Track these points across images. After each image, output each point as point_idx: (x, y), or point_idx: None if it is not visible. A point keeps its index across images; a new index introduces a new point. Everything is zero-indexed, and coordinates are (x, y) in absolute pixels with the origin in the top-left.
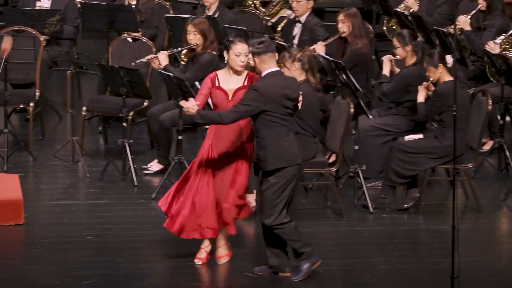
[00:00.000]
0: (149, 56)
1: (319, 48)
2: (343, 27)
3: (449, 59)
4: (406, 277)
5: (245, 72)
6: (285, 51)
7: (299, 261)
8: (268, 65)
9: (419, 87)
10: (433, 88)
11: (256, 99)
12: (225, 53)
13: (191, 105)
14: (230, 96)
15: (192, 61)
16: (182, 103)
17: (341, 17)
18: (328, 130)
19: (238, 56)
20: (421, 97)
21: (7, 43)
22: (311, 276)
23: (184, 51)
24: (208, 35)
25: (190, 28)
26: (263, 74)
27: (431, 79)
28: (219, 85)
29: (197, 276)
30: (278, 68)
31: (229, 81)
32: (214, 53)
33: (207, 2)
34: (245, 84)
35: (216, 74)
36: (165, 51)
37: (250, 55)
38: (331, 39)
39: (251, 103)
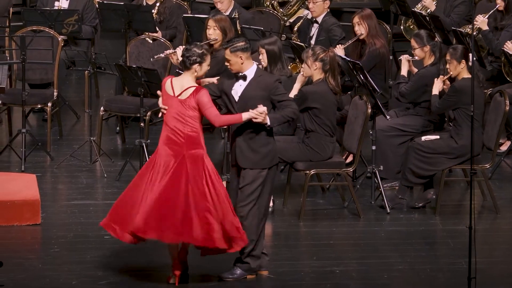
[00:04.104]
0: (168, 51)
1: (338, 51)
2: (360, 29)
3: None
4: (423, 277)
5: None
6: (309, 48)
7: (238, 265)
8: (251, 62)
9: (436, 79)
10: (448, 83)
11: None
12: (197, 66)
13: (263, 110)
14: None
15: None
16: (260, 112)
17: (356, 19)
18: (345, 130)
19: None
20: (436, 90)
21: None
22: (327, 276)
23: None
24: (229, 32)
25: (210, 23)
26: (251, 70)
27: (450, 72)
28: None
29: (207, 275)
30: (255, 63)
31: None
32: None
33: (219, 6)
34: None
35: (199, 83)
36: (184, 46)
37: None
38: (350, 42)
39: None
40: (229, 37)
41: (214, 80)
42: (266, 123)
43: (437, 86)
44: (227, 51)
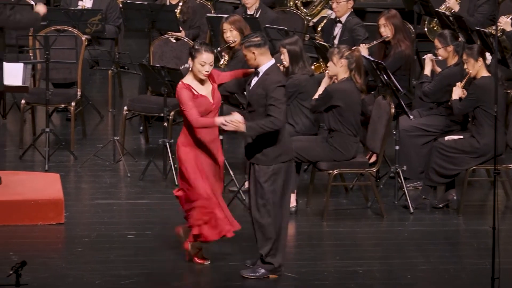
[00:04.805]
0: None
1: (362, 50)
2: (386, 31)
3: (488, 56)
4: (447, 278)
5: None
6: (334, 47)
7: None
8: (267, 58)
9: (454, 87)
10: (465, 91)
11: (285, 94)
12: (189, 60)
13: (240, 119)
14: (211, 99)
15: (231, 59)
16: (232, 120)
17: (382, 21)
18: (368, 130)
19: (203, 65)
20: (455, 95)
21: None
22: (351, 276)
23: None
24: (245, 30)
25: (226, 26)
26: (265, 66)
27: (469, 72)
28: (198, 93)
29: (231, 274)
30: (274, 60)
31: (202, 87)
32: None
33: (247, 3)
34: (212, 82)
35: (188, 84)
36: None
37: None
38: (374, 42)
39: (285, 99)
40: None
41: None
42: (243, 132)
43: (457, 92)
44: (242, 48)
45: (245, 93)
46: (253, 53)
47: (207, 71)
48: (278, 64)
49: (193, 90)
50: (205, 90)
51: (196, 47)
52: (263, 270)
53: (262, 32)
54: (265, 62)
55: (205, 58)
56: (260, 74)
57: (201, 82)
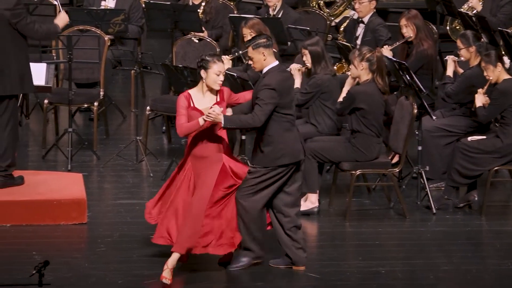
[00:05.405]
0: None
1: (385, 51)
2: (408, 31)
3: (506, 60)
4: (469, 278)
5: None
6: (355, 49)
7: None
8: (273, 59)
9: (476, 94)
10: (488, 99)
11: (273, 97)
12: (202, 72)
13: (218, 111)
14: None
15: None
16: (210, 112)
17: (403, 21)
18: (391, 130)
19: (218, 75)
20: (479, 102)
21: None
22: (373, 276)
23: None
24: (264, 32)
25: (245, 31)
26: (267, 68)
27: (490, 78)
28: (194, 105)
29: (254, 274)
30: (277, 62)
31: (203, 101)
32: (274, 50)
33: (270, 2)
34: (219, 99)
35: (190, 94)
36: (227, 56)
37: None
38: (397, 43)
39: (271, 101)
40: None
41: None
42: (221, 123)
43: (479, 99)
44: (250, 49)
45: None
46: (263, 53)
47: (222, 80)
48: (300, 66)
49: (191, 100)
50: (205, 104)
51: (208, 58)
52: (245, 259)
53: (266, 34)
54: (271, 63)
55: (220, 67)
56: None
57: (208, 93)
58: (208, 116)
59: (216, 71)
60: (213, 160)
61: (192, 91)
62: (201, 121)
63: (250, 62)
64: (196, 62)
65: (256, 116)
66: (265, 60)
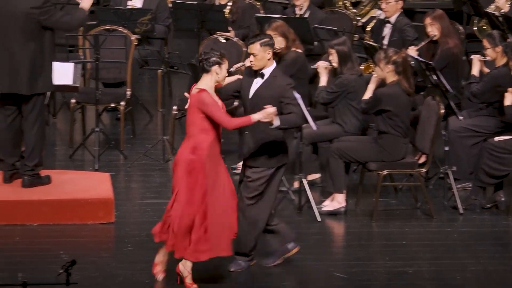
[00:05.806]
0: (238, 65)
1: (411, 52)
2: (433, 30)
3: None
4: (496, 279)
5: None
6: (381, 51)
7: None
8: (272, 60)
9: (506, 93)
10: None
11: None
12: (217, 68)
13: (271, 112)
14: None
15: (279, 63)
16: (266, 113)
17: (428, 20)
18: (418, 131)
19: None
20: (508, 101)
21: None
22: (400, 276)
23: None
24: (288, 34)
25: (269, 33)
26: (270, 69)
27: None
28: (215, 99)
29: (281, 275)
30: (275, 63)
31: (215, 95)
32: (299, 50)
33: (297, 2)
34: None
35: (208, 91)
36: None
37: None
38: (423, 43)
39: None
40: (290, 39)
41: (234, 78)
42: (273, 124)
43: (509, 98)
44: (257, 45)
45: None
46: (268, 52)
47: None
48: (328, 64)
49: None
50: (217, 98)
51: (219, 53)
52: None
53: (269, 34)
54: (271, 65)
55: (228, 64)
56: (266, 77)
57: (214, 90)
58: (265, 117)
59: (227, 67)
60: (221, 158)
61: (207, 88)
62: (254, 118)
63: (251, 58)
64: (200, 59)
65: (298, 115)
66: (269, 60)
